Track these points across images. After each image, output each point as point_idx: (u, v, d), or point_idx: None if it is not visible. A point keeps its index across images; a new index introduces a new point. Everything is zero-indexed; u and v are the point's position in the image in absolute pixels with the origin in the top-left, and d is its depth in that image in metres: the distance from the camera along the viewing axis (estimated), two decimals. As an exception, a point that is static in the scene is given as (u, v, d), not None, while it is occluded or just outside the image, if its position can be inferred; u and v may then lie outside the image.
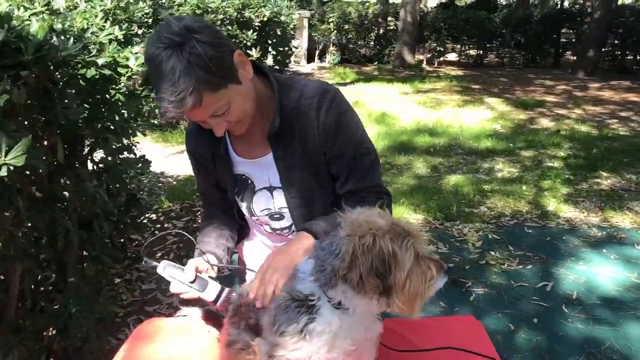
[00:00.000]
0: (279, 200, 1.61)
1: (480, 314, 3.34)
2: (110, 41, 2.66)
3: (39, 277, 2.83)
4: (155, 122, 6.98)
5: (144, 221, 4.56)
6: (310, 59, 16.60)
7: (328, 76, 13.84)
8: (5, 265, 2.00)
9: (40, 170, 2.01)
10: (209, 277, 1.47)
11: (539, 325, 3.22)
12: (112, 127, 2.71)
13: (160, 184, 5.57)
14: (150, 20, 3.76)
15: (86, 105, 2.59)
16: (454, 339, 1.65)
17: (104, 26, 2.83)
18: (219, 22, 6.75)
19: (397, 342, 1.63)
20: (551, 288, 3.64)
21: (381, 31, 16.80)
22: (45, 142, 2.34)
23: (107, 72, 2.49)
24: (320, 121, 1.48)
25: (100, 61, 2.50)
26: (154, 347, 1.63)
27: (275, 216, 1.66)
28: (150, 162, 3.96)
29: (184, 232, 1.74)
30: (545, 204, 5.04)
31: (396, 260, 1.13)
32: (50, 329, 2.57)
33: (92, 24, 2.82)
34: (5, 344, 1.99)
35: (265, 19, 7.04)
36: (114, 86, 2.61)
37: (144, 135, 3.30)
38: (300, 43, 15.85)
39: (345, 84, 12.27)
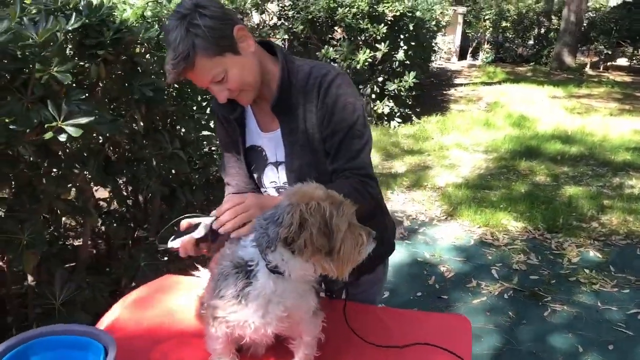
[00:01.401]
0: (283, 175, 1.71)
1: (549, 330, 3.16)
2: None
3: (135, 233, 3.25)
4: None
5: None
6: (462, 56, 16.20)
7: (475, 74, 13.43)
8: (74, 214, 2.36)
9: (105, 134, 2.32)
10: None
11: (613, 354, 2.97)
12: (194, 105, 3.00)
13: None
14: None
15: (176, 85, 2.91)
16: (434, 334, 1.65)
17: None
18: (350, 16, 6.94)
19: (378, 331, 1.66)
20: (644, 317, 3.32)
21: (542, 30, 15.85)
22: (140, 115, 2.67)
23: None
24: (319, 99, 1.57)
25: (186, 46, 2.78)
26: (162, 297, 1.85)
27: (280, 190, 1.76)
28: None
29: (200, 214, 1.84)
30: (671, 227, 4.54)
31: (335, 224, 1.21)
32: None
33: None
34: (72, 280, 2.33)
35: (398, 13, 7.07)
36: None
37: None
38: (453, 39, 15.52)
39: (491, 84, 11.84)
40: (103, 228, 3.00)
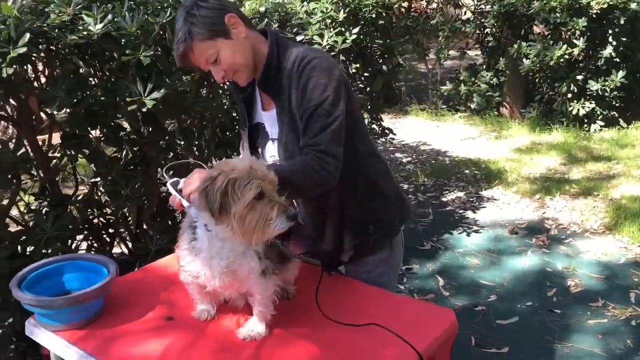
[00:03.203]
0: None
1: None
2: (321, 21, 3.22)
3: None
4: (472, 106, 7.27)
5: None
6: None
7: None
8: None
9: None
10: None
11: None
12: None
13: (433, 161, 5.89)
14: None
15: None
16: (400, 319, 1.67)
17: (326, 9, 3.36)
18: (547, 9, 6.46)
19: (347, 307, 1.75)
20: None
21: None
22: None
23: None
24: (296, 80, 1.71)
25: (298, 38, 3.08)
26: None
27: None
28: (388, 133, 4.41)
29: (201, 163, 2.06)
30: None
31: (232, 195, 1.39)
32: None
33: (321, 8, 3.38)
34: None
35: (605, 5, 6.36)
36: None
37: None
38: None
39: None
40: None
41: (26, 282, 1.69)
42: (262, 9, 2.96)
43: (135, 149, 2.65)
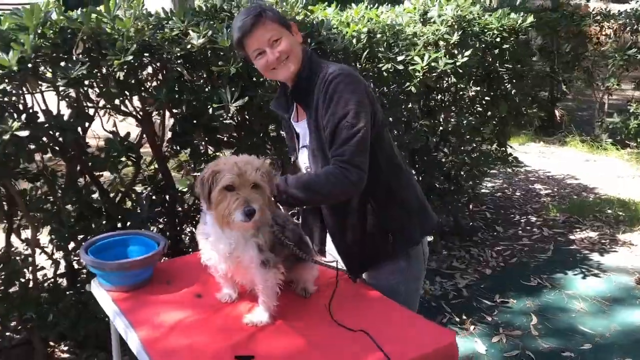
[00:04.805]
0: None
1: None
2: (425, 44, 3.28)
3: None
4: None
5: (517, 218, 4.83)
6: None
7: None
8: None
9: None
10: None
11: None
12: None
13: (575, 197, 5.44)
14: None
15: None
16: (392, 332, 1.70)
17: (437, 30, 3.40)
18: None
19: (352, 309, 1.84)
20: None
21: None
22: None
23: (400, 67, 3.14)
24: (323, 93, 1.85)
25: (399, 58, 3.17)
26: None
27: (309, 170, 2.05)
28: (512, 161, 4.25)
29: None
30: None
31: (212, 185, 1.62)
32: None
33: (432, 30, 3.43)
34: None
35: None
36: (411, 80, 3.22)
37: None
38: None
39: None
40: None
41: (95, 248, 2.05)
42: (365, 29, 3.09)
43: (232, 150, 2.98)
